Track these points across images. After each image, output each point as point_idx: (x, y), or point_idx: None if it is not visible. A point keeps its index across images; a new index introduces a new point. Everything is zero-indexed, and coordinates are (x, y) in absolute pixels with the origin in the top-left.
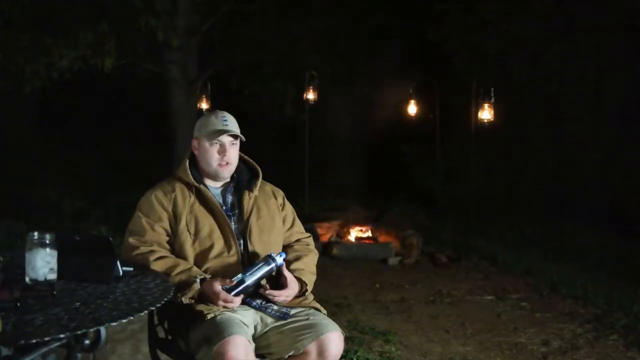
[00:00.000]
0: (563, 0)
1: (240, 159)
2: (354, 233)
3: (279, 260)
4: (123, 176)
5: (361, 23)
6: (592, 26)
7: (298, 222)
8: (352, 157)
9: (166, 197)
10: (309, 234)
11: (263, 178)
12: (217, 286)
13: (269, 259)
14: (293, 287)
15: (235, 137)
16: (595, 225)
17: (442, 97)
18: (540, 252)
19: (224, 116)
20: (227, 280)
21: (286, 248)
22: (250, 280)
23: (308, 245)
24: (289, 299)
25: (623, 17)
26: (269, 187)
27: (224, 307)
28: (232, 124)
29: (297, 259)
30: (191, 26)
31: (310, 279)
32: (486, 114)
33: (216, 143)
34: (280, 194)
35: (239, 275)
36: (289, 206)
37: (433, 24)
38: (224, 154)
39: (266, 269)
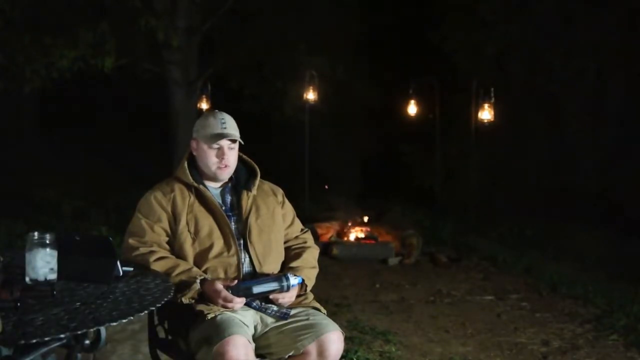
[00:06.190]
0: (563, 0)
1: (239, 158)
2: (354, 233)
3: (293, 281)
4: (123, 176)
5: (361, 23)
6: (592, 26)
7: (297, 220)
8: (352, 157)
9: (165, 197)
10: (307, 229)
11: (262, 177)
12: (219, 285)
13: (283, 277)
14: (291, 293)
15: (234, 140)
16: (595, 225)
17: (442, 97)
18: (540, 252)
19: (222, 118)
20: (229, 280)
21: (285, 245)
22: (257, 289)
23: (306, 242)
24: (292, 300)
25: (623, 17)
26: (267, 185)
27: (223, 306)
28: (231, 127)
29: (295, 257)
30: (191, 26)
31: (308, 274)
32: (486, 114)
33: (215, 147)
34: (279, 191)
35: (248, 282)
36: (288, 204)
37: (433, 23)
38: (222, 157)
39: (276, 285)
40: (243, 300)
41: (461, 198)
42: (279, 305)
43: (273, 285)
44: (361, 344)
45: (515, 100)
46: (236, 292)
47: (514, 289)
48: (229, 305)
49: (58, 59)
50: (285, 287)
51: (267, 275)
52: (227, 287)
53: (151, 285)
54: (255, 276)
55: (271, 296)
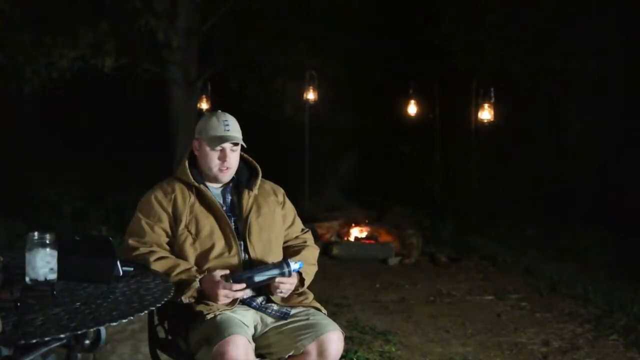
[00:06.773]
0: (563, 1)
1: (240, 157)
2: (354, 233)
3: (294, 266)
4: (123, 176)
5: (360, 23)
6: (592, 26)
7: (298, 220)
8: (352, 157)
9: (166, 197)
10: (307, 229)
11: (263, 177)
12: (217, 277)
13: (284, 263)
14: (292, 280)
15: (236, 143)
16: (595, 225)
17: (442, 97)
18: (540, 252)
19: (225, 120)
20: (227, 272)
21: (285, 245)
22: (258, 278)
23: (306, 242)
24: (293, 287)
25: (623, 17)
26: (268, 185)
27: (225, 296)
28: (234, 129)
29: (295, 253)
30: (191, 26)
31: (307, 270)
32: (486, 114)
33: (217, 149)
34: (280, 191)
35: (249, 272)
36: (289, 204)
37: (433, 23)
38: (224, 159)
39: (277, 272)
40: (244, 287)
41: (461, 198)
42: (279, 304)
43: (274, 272)
44: (361, 344)
45: (515, 100)
46: (238, 282)
47: (514, 289)
48: (230, 294)
49: (58, 59)
50: (287, 273)
51: (267, 264)
52: (228, 278)
53: (151, 285)
54: (255, 266)
55: (274, 283)
